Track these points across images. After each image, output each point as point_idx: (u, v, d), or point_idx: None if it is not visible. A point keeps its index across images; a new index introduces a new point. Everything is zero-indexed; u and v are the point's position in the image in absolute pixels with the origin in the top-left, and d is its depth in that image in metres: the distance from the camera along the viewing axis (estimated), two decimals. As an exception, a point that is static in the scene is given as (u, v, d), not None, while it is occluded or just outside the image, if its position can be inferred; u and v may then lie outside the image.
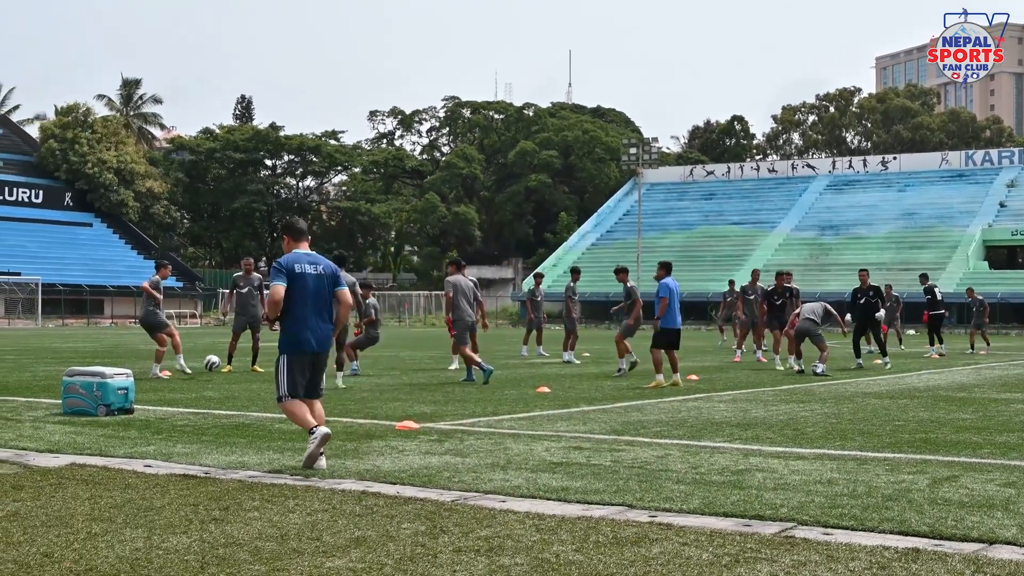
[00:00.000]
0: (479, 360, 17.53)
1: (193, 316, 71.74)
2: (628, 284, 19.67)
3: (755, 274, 26.62)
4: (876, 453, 9.36)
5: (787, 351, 21.82)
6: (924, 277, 30.63)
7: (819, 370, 19.99)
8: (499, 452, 9.22)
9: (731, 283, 33.01)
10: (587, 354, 25.20)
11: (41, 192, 79.10)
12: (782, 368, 21.48)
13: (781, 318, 22.25)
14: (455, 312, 17.99)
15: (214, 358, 19.92)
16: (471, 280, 18.80)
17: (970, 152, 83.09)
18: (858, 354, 22.70)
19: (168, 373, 18.38)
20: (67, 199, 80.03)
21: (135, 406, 12.34)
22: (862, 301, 22.85)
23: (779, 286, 22.71)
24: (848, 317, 23.73)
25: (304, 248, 8.89)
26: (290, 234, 8.95)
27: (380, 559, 5.46)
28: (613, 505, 6.92)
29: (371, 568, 5.29)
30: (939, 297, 29.96)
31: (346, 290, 8.96)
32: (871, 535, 6.08)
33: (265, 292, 20.93)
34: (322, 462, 8.36)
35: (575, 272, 25.69)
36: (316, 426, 8.37)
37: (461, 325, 18.04)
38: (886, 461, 8.85)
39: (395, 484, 7.64)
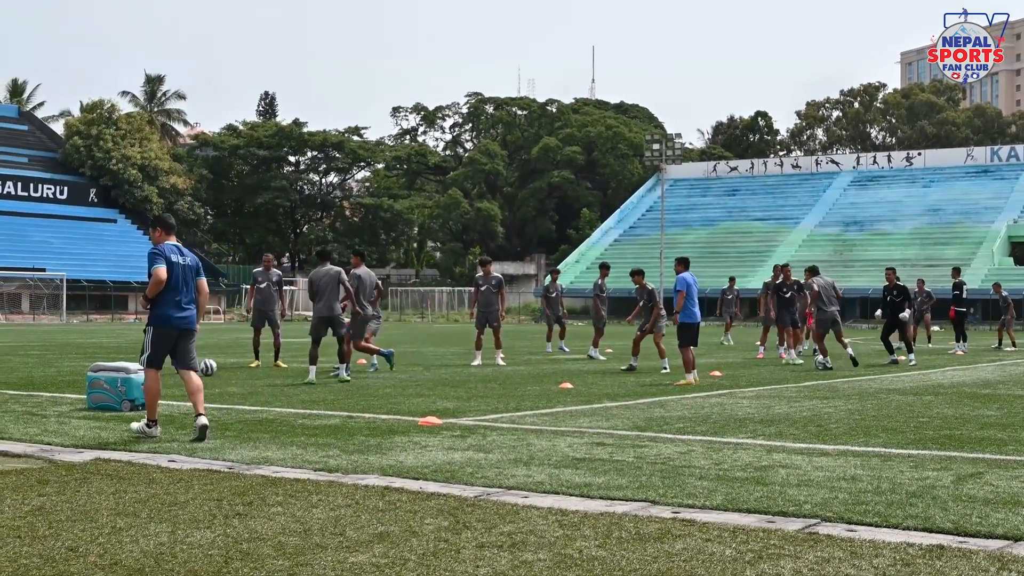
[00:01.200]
0: (378, 349, 17.81)
1: (216, 312, 72.00)
2: (648, 287, 19.63)
3: (776, 269, 26.54)
4: (900, 450, 9.32)
5: (805, 339, 22.17)
6: (956, 271, 30.55)
7: (851, 356, 20.40)
8: (522, 448, 9.22)
9: (731, 280, 34.41)
10: (610, 350, 25.15)
11: (66, 188, 79.57)
12: (800, 362, 21.48)
13: (793, 313, 22.64)
14: (363, 306, 17.63)
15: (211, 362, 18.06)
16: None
17: (995, 148, 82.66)
18: (890, 351, 22.72)
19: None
20: (92, 195, 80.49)
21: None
22: (888, 300, 23.02)
23: (786, 278, 23.04)
24: (878, 313, 24.28)
25: (172, 240, 10.11)
26: (163, 227, 10.20)
27: (403, 554, 5.47)
28: (636, 501, 6.91)
29: (394, 563, 5.30)
30: (964, 294, 29.86)
31: (204, 281, 10.22)
32: (895, 532, 6.06)
33: (285, 288, 21.18)
34: (155, 431, 9.76)
35: (604, 268, 25.39)
36: (153, 422, 9.76)
37: (364, 320, 17.69)
38: (910, 458, 8.81)
39: (418, 479, 7.65)
